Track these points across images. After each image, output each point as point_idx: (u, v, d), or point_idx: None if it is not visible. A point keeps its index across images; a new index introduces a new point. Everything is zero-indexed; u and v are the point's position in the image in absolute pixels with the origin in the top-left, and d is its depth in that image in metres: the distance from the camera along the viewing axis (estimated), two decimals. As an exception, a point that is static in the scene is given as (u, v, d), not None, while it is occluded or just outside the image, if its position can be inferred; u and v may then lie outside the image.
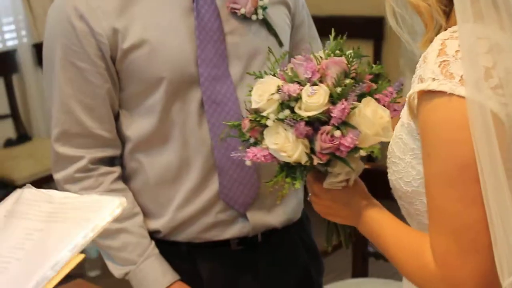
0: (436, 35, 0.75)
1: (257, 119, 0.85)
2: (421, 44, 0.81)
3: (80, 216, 0.69)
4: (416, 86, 0.73)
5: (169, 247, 1.18)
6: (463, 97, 0.67)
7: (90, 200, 0.75)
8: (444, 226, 0.72)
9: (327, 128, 0.81)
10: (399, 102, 0.85)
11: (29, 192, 0.78)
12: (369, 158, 0.93)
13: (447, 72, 0.69)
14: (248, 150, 0.87)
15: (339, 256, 1.29)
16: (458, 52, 0.69)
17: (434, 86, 0.69)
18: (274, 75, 0.87)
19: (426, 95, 0.70)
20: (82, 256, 0.65)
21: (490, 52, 0.69)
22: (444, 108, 0.70)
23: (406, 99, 0.78)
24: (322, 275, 1.34)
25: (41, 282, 0.63)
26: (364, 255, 1.59)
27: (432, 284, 0.77)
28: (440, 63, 0.70)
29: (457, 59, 0.69)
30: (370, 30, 2.94)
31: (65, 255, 0.64)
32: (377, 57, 3.00)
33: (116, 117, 1.16)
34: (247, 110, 0.89)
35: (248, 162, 0.88)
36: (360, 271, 1.62)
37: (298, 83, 0.82)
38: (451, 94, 0.68)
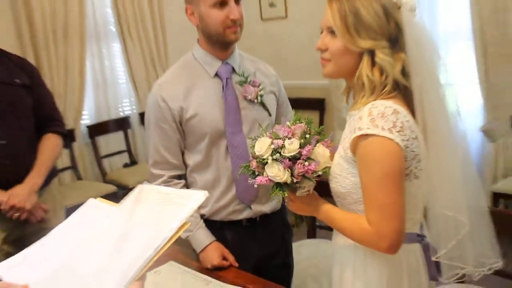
0: (363, 105, 1.02)
1: (260, 161, 1.11)
2: (350, 109, 1.09)
3: (181, 202, 0.86)
4: (357, 133, 0.99)
5: (209, 223, 1.49)
6: (383, 136, 0.96)
7: (186, 192, 0.94)
8: (375, 205, 0.99)
9: (300, 161, 1.07)
10: (333, 145, 1.12)
11: (147, 186, 0.95)
12: (317, 178, 1.14)
13: (374, 124, 0.97)
14: (256, 178, 1.12)
15: (301, 229, 1.49)
16: (378, 113, 0.98)
17: (368, 131, 0.97)
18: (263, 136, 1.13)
19: (364, 137, 0.98)
20: (187, 224, 0.83)
21: (393, 113, 0.98)
22: (374, 143, 0.97)
23: (350, 140, 1.00)
24: (291, 238, 1.67)
25: (166, 238, 0.80)
26: (314, 228, 2.07)
27: (368, 239, 1.02)
28: (370, 120, 0.98)
29: (379, 118, 0.97)
30: (317, 105, 3.87)
31: (176, 223, 0.82)
32: (321, 121, 3.84)
33: (182, 153, 1.48)
34: (252, 155, 1.15)
35: (255, 185, 1.13)
36: (311, 236, 2.08)
37: (281, 139, 1.09)
38: (377, 135, 0.97)
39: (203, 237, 1.47)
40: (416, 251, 1.11)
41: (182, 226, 0.83)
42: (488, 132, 3.06)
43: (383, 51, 1.01)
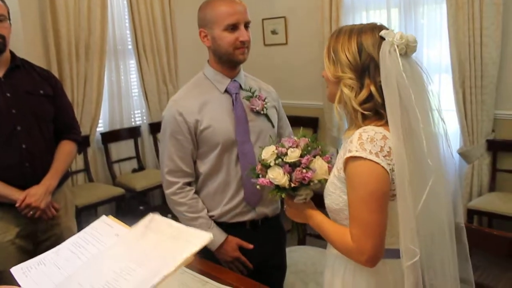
0: (356, 129, 1.03)
1: (265, 165, 1.16)
2: (345, 134, 1.09)
3: (190, 239, 0.86)
4: (347, 154, 1.00)
5: (218, 224, 1.50)
6: (370, 160, 0.97)
7: (195, 231, 0.91)
8: (358, 222, 0.99)
9: (299, 168, 1.11)
10: (331, 162, 1.15)
11: (158, 217, 0.94)
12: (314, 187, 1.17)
13: (363, 148, 0.98)
14: (258, 179, 1.16)
15: (292, 235, 1.55)
16: (368, 138, 0.98)
17: (356, 154, 0.98)
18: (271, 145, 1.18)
19: (353, 159, 0.99)
20: (192, 258, 0.83)
21: (382, 138, 0.99)
22: (361, 165, 0.98)
23: (342, 161, 1.01)
24: (285, 242, 1.69)
25: (171, 269, 0.78)
26: (304, 235, 2.07)
27: (350, 252, 1.03)
28: (360, 143, 0.98)
29: (368, 142, 0.98)
30: (312, 124, 3.89)
31: (183, 257, 0.81)
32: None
33: (195, 162, 1.50)
34: (258, 160, 1.20)
35: (258, 186, 1.17)
36: (302, 243, 2.10)
37: (285, 148, 1.14)
38: (365, 158, 0.97)
39: (218, 235, 1.47)
40: (401, 266, 1.07)
41: (186, 260, 0.82)
42: (464, 154, 3.08)
43: (347, 81, 1.03)
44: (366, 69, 1.02)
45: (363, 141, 0.98)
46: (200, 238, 0.86)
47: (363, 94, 1.02)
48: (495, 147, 3.03)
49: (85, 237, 0.99)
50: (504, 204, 2.76)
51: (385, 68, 0.99)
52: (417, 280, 0.99)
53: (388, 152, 0.98)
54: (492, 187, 3.04)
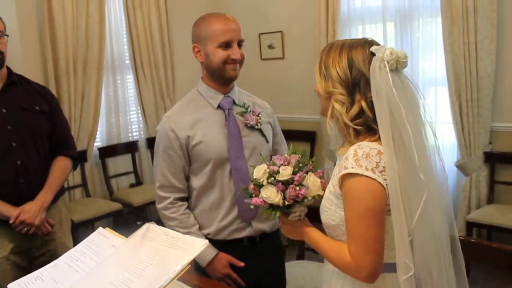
0: (349, 145, 1.03)
1: (257, 184, 1.15)
2: (339, 150, 1.10)
3: (186, 247, 0.86)
4: (343, 171, 1.00)
5: (212, 243, 1.45)
6: (366, 176, 0.97)
7: (190, 239, 0.91)
8: (356, 239, 0.99)
9: (292, 186, 1.10)
10: (324, 177, 1.15)
11: (154, 226, 0.94)
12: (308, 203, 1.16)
13: (359, 164, 0.98)
14: (252, 199, 1.15)
15: (291, 250, 1.57)
16: (363, 154, 0.98)
17: (353, 171, 0.98)
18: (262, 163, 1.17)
19: (349, 175, 0.98)
20: (189, 265, 0.84)
21: (377, 154, 0.99)
22: (358, 182, 0.98)
23: (338, 177, 1.00)
24: (284, 257, 1.67)
25: (169, 278, 0.79)
26: (303, 250, 2.09)
27: (348, 269, 1.02)
28: (355, 160, 0.98)
29: (363, 158, 0.98)
30: (309, 137, 3.91)
31: (180, 266, 0.82)
32: (312, 151, 3.87)
33: (187, 178, 1.50)
34: (251, 180, 1.18)
35: (251, 206, 1.17)
36: (300, 257, 2.10)
37: (277, 166, 1.13)
38: (361, 175, 0.97)
39: (207, 251, 1.46)
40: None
41: (184, 268, 0.83)
42: (462, 167, 3.09)
43: (338, 97, 1.04)
44: (357, 84, 1.03)
45: (358, 158, 0.99)
46: (196, 245, 0.87)
47: (354, 109, 1.03)
48: (493, 159, 3.03)
49: (82, 250, 0.98)
50: (502, 216, 2.75)
51: (375, 84, 1.00)
52: None
53: (383, 167, 0.98)
54: (491, 199, 3.03)
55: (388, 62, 0.99)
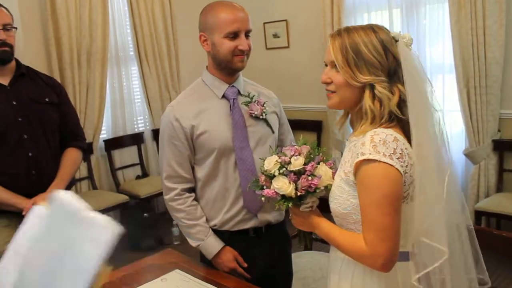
0: (363, 132, 1.02)
1: (268, 175, 1.14)
2: (351, 136, 1.09)
3: (93, 236, 0.80)
4: (360, 157, 0.96)
5: (217, 234, 1.49)
6: (384, 162, 0.96)
7: (101, 218, 0.84)
8: (372, 226, 0.99)
9: (304, 176, 1.09)
10: (335, 167, 1.14)
11: (67, 194, 0.92)
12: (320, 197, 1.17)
13: (376, 150, 0.97)
14: (263, 191, 1.15)
15: (300, 242, 1.57)
16: (380, 140, 0.98)
17: (370, 156, 0.97)
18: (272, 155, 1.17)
19: (366, 161, 0.98)
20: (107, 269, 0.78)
21: (394, 140, 0.99)
22: (375, 168, 0.97)
23: (352, 164, 1.00)
24: (291, 248, 1.66)
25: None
26: (311, 240, 2.04)
27: (364, 258, 1.02)
28: (373, 146, 0.98)
29: (381, 144, 0.97)
30: (315, 127, 3.91)
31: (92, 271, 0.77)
32: (319, 141, 3.87)
33: (192, 168, 1.49)
34: (261, 171, 1.17)
35: (263, 198, 1.16)
36: (307, 248, 2.05)
37: (288, 157, 1.13)
38: (379, 161, 0.97)
39: (214, 244, 1.47)
40: (411, 268, 1.08)
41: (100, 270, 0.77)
42: (470, 155, 3.06)
43: (381, 85, 1.00)
44: (394, 71, 1.02)
45: (376, 144, 0.97)
46: (105, 234, 0.79)
47: (395, 98, 1.02)
48: (502, 147, 3.00)
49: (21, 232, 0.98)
50: (512, 205, 2.74)
51: (409, 69, 1.00)
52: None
53: (400, 154, 0.97)
54: (500, 188, 3.01)
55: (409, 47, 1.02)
